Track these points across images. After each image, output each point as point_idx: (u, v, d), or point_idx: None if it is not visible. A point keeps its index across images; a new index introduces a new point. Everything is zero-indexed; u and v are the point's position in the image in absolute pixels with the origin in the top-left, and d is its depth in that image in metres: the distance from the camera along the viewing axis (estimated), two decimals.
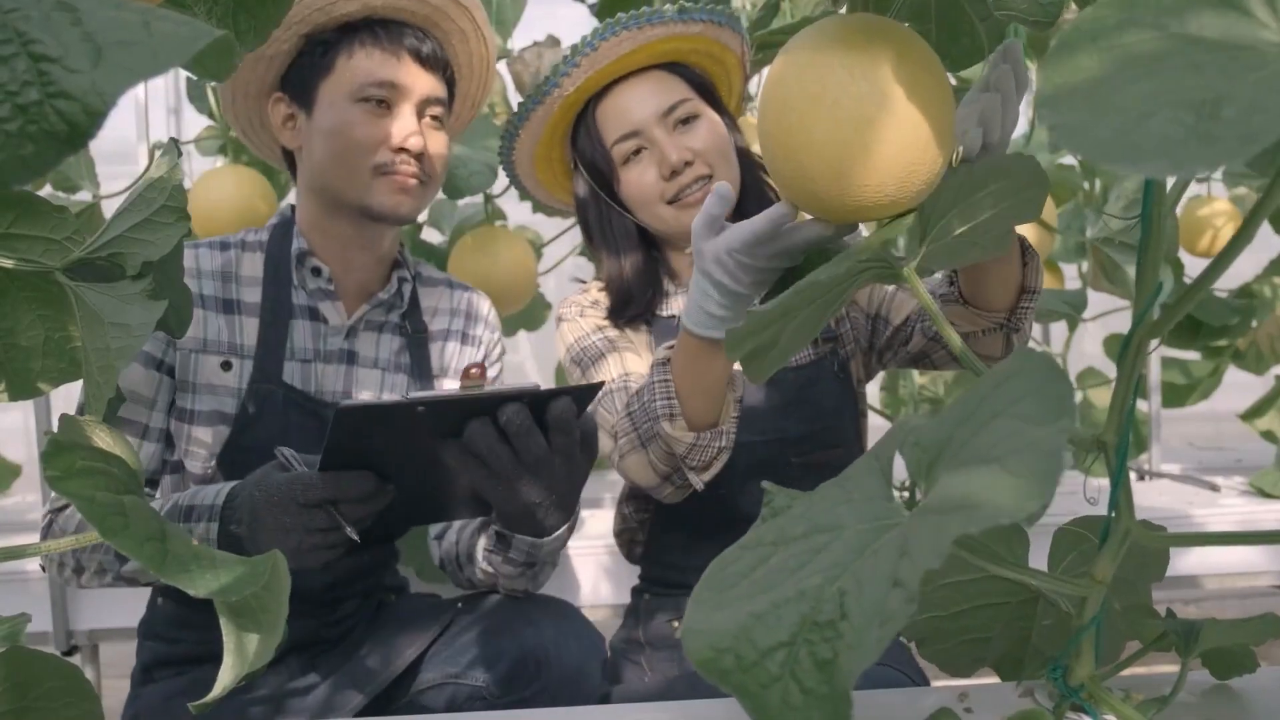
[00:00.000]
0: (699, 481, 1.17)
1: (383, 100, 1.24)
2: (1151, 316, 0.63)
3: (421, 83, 1.27)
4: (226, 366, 1.25)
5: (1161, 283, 0.64)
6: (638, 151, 1.31)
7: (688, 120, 1.31)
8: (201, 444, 1.24)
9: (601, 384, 1.04)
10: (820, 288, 0.69)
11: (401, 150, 1.24)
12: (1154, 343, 0.65)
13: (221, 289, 1.28)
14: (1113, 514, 0.64)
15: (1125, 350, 0.64)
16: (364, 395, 1.33)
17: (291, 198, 2.51)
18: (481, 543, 1.24)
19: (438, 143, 1.29)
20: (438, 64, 1.29)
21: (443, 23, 1.30)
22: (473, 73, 1.39)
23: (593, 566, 1.88)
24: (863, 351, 1.42)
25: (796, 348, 0.75)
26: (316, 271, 1.30)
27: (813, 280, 0.67)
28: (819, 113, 0.66)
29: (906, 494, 1.51)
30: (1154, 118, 0.39)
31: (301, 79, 1.27)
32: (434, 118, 1.30)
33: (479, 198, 2.05)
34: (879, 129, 0.65)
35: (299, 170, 1.33)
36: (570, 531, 1.19)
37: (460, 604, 1.29)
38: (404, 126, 1.24)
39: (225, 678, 0.58)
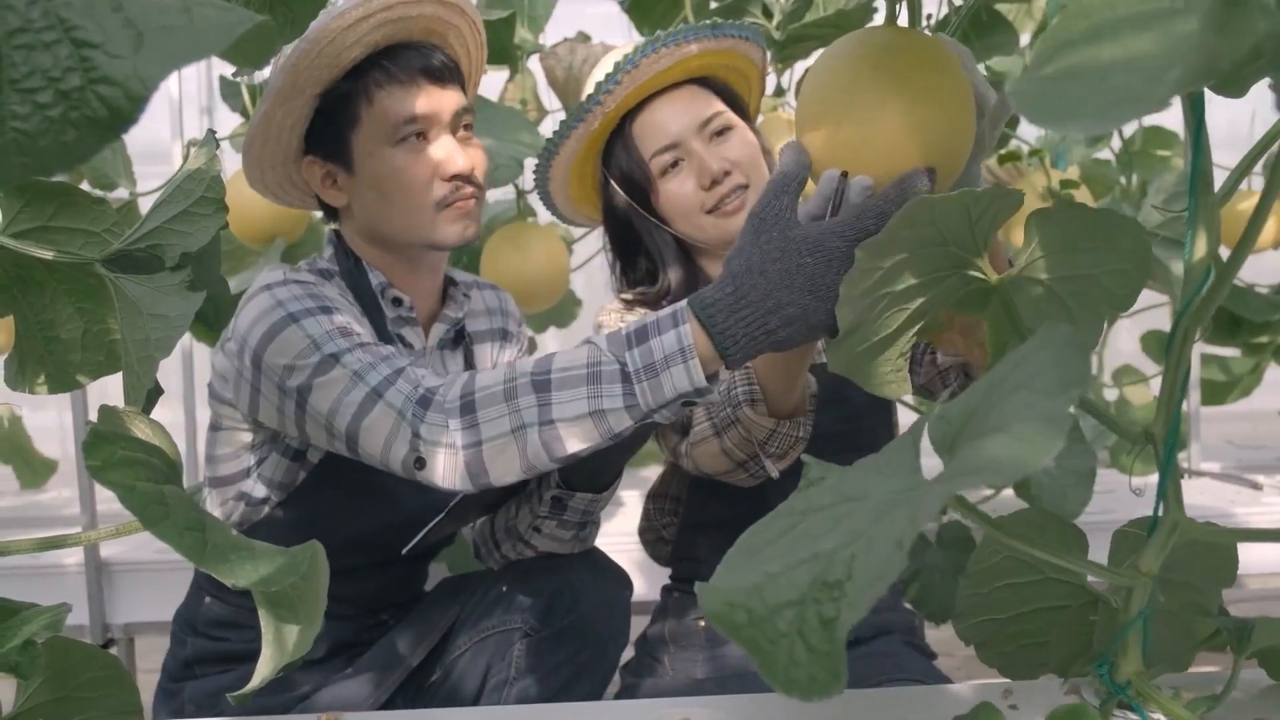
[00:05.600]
0: (775, 470, 1.20)
1: (420, 133, 1.23)
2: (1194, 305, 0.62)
3: (446, 101, 1.25)
4: None
5: (1210, 267, 0.63)
6: (675, 163, 1.33)
7: (722, 132, 1.33)
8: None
9: None
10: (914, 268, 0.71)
11: (454, 177, 1.24)
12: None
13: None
14: (1160, 507, 0.63)
15: (1173, 338, 0.63)
16: None
17: None
18: (527, 515, 1.26)
19: (477, 151, 1.29)
20: (452, 74, 1.28)
21: (437, 28, 1.28)
22: (470, 57, 1.37)
23: (624, 562, 1.87)
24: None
25: (882, 349, 0.77)
26: (398, 301, 1.31)
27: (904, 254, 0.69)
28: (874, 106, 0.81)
29: None
30: (1110, 80, 0.46)
31: (329, 137, 1.25)
32: (466, 127, 1.29)
33: (511, 194, 2.05)
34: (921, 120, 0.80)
35: (346, 222, 1.32)
36: (614, 489, 1.26)
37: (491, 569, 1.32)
38: (448, 153, 1.23)
39: (264, 668, 0.57)
